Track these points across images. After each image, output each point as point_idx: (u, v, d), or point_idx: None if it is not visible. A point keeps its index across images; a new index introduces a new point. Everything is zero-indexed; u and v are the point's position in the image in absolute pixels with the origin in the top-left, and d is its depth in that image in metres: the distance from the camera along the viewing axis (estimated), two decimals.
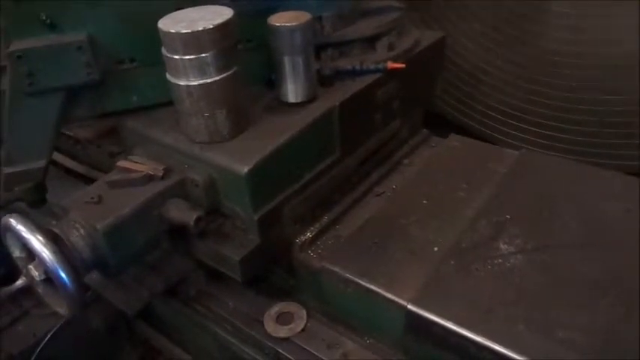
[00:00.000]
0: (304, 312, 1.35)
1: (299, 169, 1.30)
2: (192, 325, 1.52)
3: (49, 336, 1.64)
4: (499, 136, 2.13)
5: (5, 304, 1.76)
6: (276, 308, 1.37)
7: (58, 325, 1.66)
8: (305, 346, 1.28)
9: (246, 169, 1.14)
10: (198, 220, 1.15)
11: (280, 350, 1.29)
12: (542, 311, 1.08)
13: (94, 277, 1.40)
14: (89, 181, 1.73)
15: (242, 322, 1.39)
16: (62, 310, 1.13)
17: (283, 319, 1.35)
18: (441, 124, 2.00)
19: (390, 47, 1.49)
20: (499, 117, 2.11)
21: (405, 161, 1.65)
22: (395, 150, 1.65)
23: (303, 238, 1.36)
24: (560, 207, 1.33)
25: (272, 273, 1.45)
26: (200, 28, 1.10)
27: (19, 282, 1.15)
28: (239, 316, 1.40)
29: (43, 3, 1.18)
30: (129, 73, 1.30)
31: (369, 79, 1.40)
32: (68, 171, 1.91)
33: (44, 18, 1.19)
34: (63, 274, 1.03)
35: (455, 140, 1.68)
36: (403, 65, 1.43)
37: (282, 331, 1.31)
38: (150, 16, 1.15)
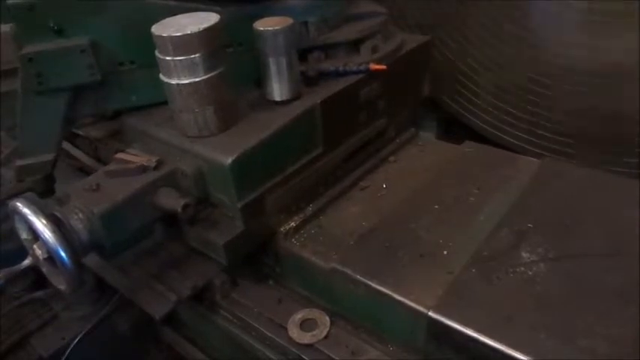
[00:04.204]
0: (327, 318, 1.36)
1: (282, 162, 1.38)
2: (217, 331, 1.55)
3: (77, 339, 1.70)
4: (520, 144, 2.01)
5: (36, 306, 1.85)
6: (299, 314, 1.38)
7: (86, 329, 1.72)
8: (329, 353, 1.28)
9: (230, 160, 1.24)
10: (185, 206, 1.24)
11: (305, 357, 1.30)
12: (564, 320, 1.07)
13: (123, 282, 1.49)
14: None
15: (266, 328, 1.40)
16: (63, 286, 1.25)
17: (307, 325, 1.36)
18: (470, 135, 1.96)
19: (374, 50, 1.57)
20: (522, 125, 2.01)
21: (391, 158, 1.72)
22: (381, 147, 1.72)
23: (287, 226, 1.44)
24: (583, 215, 1.32)
25: (261, 261, 1.53)
26: (189, 32, 1.21)
27: (26, 262, 1.26)
28: (263, 322, 1.42)
29: (52, 11, 1.31)
30: (128, 74, 1.42)
31: (351, 80, 1.48)
32: (79, 167, 2.06)
33: (52, 25, 1.32)
34: (62, 253, 1.14)
35: (469, 146, 1.70)
36: (385, 67, 1.51)
37: (306, 338, 1.32)
38: (147, 23, 1.26)
